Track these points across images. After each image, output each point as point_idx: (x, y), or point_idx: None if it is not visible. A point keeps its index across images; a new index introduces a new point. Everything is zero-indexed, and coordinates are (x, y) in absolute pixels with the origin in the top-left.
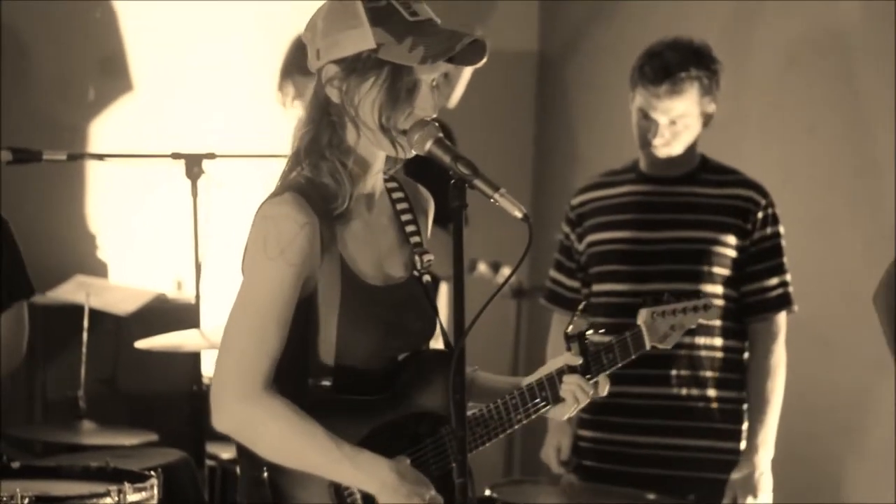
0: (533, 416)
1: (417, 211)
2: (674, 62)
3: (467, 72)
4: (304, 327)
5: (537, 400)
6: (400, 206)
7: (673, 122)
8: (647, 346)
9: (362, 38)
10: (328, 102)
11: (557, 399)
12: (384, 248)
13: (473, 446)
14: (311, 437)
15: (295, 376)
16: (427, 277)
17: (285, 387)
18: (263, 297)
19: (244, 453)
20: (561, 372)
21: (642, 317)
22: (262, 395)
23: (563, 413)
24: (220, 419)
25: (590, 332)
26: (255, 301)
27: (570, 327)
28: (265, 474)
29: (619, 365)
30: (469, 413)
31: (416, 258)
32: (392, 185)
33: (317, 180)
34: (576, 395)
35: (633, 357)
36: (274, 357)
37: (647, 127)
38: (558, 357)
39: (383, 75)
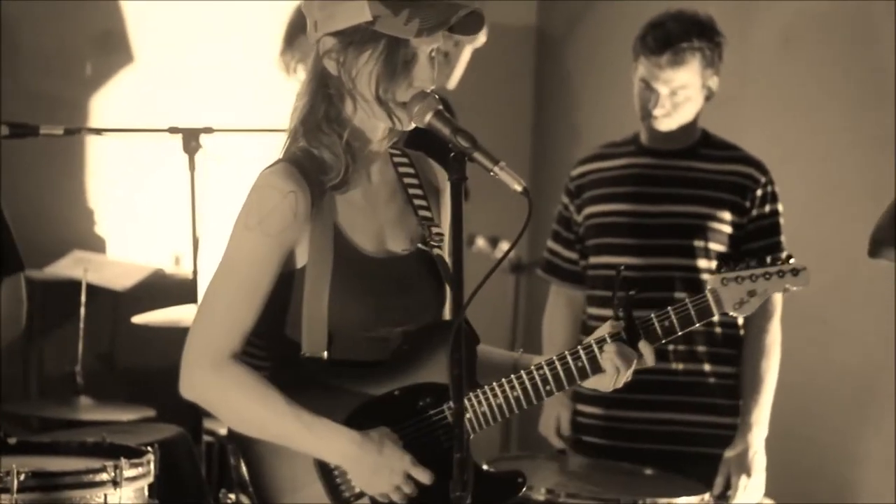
0: (567, 388)
1: (427, 185)
2: (676, 33)
3: (466, 52)
4: (296, 298)
5: (572, 370)
6: (407, 181)
7: (674, 93)
8: (716, 313)
9: (359, 11)
10: (326, 74)
11: (597, 369)
12: (386, 219)
13: (492, 420)
14: (270, 405)
15: (288, 348)
16: (437, 251)
17: (278, 359)
18: (238, 267)
19: (230, 438)
20: (601, 340)
21: (711, 282)
22: (228, 363)
23: (607, 384)
24: (185, 385)
25: (632, 292)
26: (231, 271)
27: (620, 293)
28: (239, 461)
29: (679, 333)
30: (488, 387)
31: (425, 231)
32: (400, 158)
33: (314, 152)
34: (616, 364)
35: (697, 325)
36: (245, 327)
37: (649, 97)
38: (603, 325)
39: (380, 48)
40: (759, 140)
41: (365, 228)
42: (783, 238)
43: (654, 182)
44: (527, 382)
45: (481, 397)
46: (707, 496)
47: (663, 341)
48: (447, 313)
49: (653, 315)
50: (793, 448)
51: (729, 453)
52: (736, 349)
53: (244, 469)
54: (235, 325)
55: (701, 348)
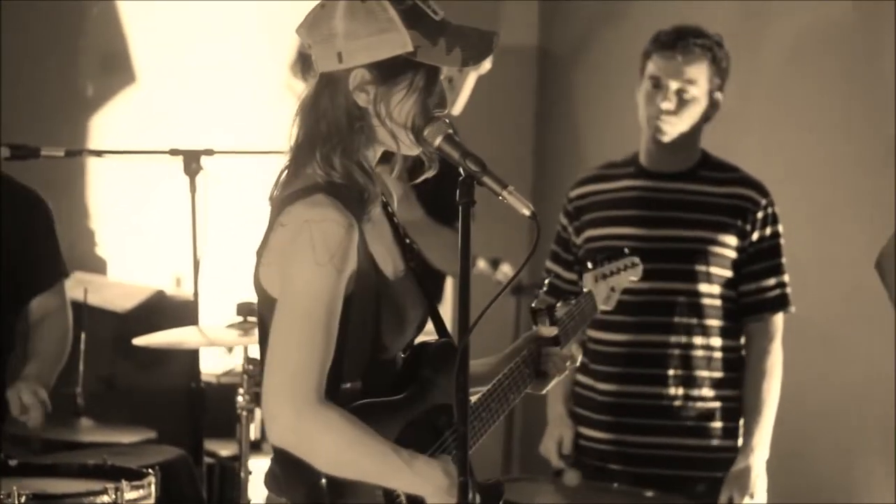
0: (521, 395)
1: (390, 201)
2: (689, 31)
3: (471, 79)
4: (343, 332)
5: (525, 378)
6: (383, 199)
7: (682, 90)
8: (598, 309)
9: (400, 42)
10: (355, 107)
11: (539, 374)
12: (389, 241)
13: (481, 433)
14: (370, 446)
15: (328, 381)
16: (415, 265)
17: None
18: (314, 305)
19: (294, 465)
20: (539, 346)
21: (589, 281)
22: (317, 406)
23: (542, 387)
24: (277, 434)
25: (559, 304)
26: (305, 310)
27: (536, 302)
28: (323, 480)
29: (581, 331)
30: (472, 400)
31: (406, 248)
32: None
33: (335, 181)
34: (557, 366)
35: (587, 323)
36: (325, 366)
37: (656, 95)
38: (527, 333)
39: (418, 78)
40: (761, 156)
41: (381, 252)
42: (784, 260)
43: (655, 206)
44: (500, 390)
45: (475, 409)
46: None
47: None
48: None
49: (564, 318)
50: (794, 470)
51: (730, 476)
52: (736, 372)
53: (326, 486)
54: (317, 364)
55: (702, 373)
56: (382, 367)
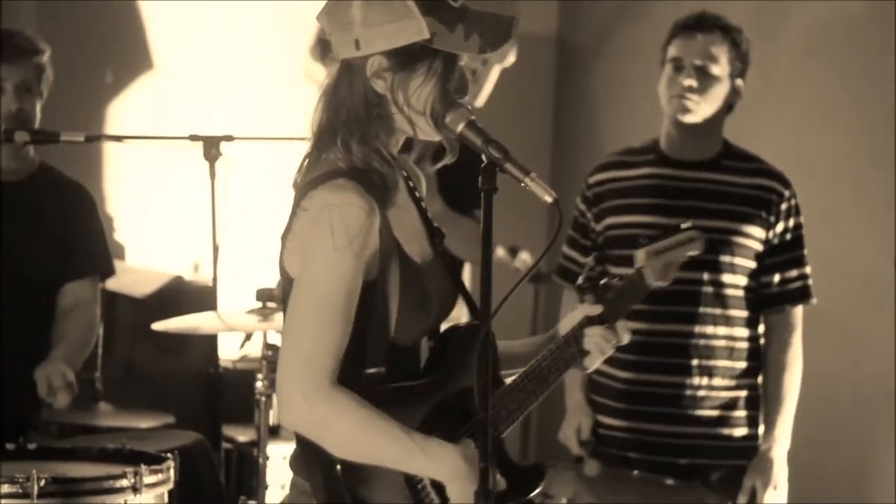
0: (564, 374)
1: (419, 187)
2: (708, 15)
3: (495, 71)
4: (365, 317)
5: (567, 357)
6: (410, 184)
7: (705, 67)
8: (649, 286)
9: (416, 29)
10: (373, 94)
11: (583, 353)
12: (415, 227)
13: (517, 414)
14: (382, 430)
15: (351, 367)
16: (443, 250)
17: (342, 379)
18: (331, 289)
19: (312, 450)
20: (581, 325)
21: (640, 258)
22: (330, 390)
23: (589, 365)
24: (290, 417)
25: (603, 281)
26: (322, 294)
27: (582, 279)
28: (338, 466)
29: (629, 309)
30: (509, 381)
31: (434, 231)
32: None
33: (357, 167)
34: (600, 346)
35: (639, 300)
36: (340, 351)
37: (678, 76)
38: (574, 311)
39: (436, 66)
40: (776, 149)
41: (411, 239)
42: (805, 252)
43: (677, 195)
44: (538, 372)
45: (508, 391)
46: None
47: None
48: (463, 315)
49: (612, 295)
50: (816, 459)
51: (752, 467)
52: (757, 362)
53: (342, 475)
54: (332, 349)
55: (724, 363)
56: (406, 352)
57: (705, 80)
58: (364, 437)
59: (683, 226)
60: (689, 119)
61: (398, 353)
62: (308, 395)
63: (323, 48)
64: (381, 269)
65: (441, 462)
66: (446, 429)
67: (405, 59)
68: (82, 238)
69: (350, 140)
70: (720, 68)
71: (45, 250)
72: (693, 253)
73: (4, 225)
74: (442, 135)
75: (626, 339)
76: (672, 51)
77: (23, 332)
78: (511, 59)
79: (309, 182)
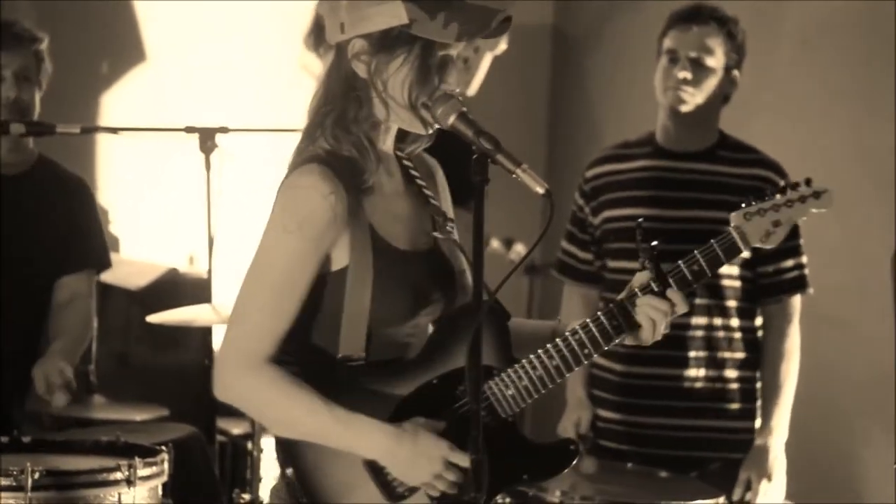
0: (606, 348)
1: (427, 176)
2: (703, 6)
3: (486, 59)
4: (333, 301)
5: (607, 329)
6: (413, 173)
7: (700, 59)
8: (743, 248)
9: (394, 14)
10: (353, 77)
11: (633, 325)
12: (406, 215)
13: (536, 392)
14: (305, 403)
15: (322, 352)
16: (454, 237)
17: (312, 363)
18: (277, 270)
19: (278, 448)
20: (632, 295)
21: (734, 219)
22: (260, 366)
23: (646, 338)
24: (220, 389)
25: (654, 243)
26: (268, 274)
27: (643, 244)
28: (289, 471)
29: (709, 276)
30: (525, 360)
31: (438, 219)
32: (399, 153)
33: (344, 154)
34: (651, 316)
35: (725, 263)
36: (281, 332)
37: (673, 68)
38: (632, 280)
39: (414, 51)
40: (776, 140)
41: (394, 225)
42: (802, 241)
43: (673, 186)
44: (564, 349)
45: (520, 372)
46: (722, 500)
47: (694, 286)
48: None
49: (680, 262)
50: (813, 451)
51: (749, 458)
52: (755, 353)
53: (295, 478)
54: (271, 328)
55: (721, 354)
56: (387, 338)
57: (700, 71)
58: (288, 410)
59: (808, 180)
60: (685, 109)
61: (379, 339)
62: (239, 369)
63: (317, 38)
64: (353, 255)
65: (363, 437)
66: (430, 408)
67: (384, 42)
68: (80, 231)
69: (325, 120)
70: (715, 60)
71: (43, 243)
72: (819, 210)
73: (4, 218)
74: (418, 122)
75: (682, 308)
76: (667, 42)
77: (20, 325)
78: (502, 46)
79: (288, 168)
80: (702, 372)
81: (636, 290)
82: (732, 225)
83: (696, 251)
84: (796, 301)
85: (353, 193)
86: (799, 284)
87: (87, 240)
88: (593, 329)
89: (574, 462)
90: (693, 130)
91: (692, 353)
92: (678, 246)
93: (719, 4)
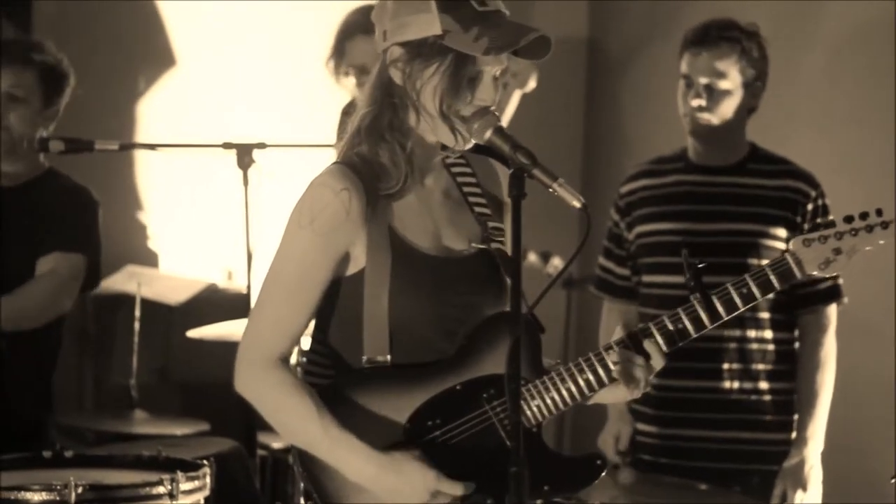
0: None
1: (487, 184)
2: (714, 26)
3: (515, 97)
4: (356, 303)
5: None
6: (462, 179)
7: (712, 85)
8: (798, 275)
9: (429, 24)
10: (391, 83)
11: (610, 379)
12: (441, 219)
13: (564, 404)
14: (301, 413)
15: (351, 354)
16: (497, 246)
17: (341, 365)
18: (289, 266)
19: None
20: (608, 348)
21: (792, 244)
22: (274, 365)
23: (619, 396)
24: (237, 382)
25: (701, 265)
26: (282, 271)
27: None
28: (299, 469)
29: (758, 300)
30: (555, 372)
31: (482, 227)
32: (457, 160)
33: (372, 158)
34: (633, 374)
35: (778, 290)
36: (295, 329)
37: (688, 93)
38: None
39: (447, 62)
40: (811, 149)
41: (420, 228)
42: None
43: (705, 200)
44: (597, 364)
45: (548, 383)
46: None
47: (742, 309)
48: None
49: (729, 284)
50: (849, 461)
51: (785, 468)
52: (791, 365)
53: (305, 478)
54: (285, 326)
55: (756, 366)
56: (411, 341)
57: (714, 96)
58: (286, 416)
59: (876, 210)
60: (703, 132)
61: (402, 341)
62: (252, 366)
63: (336, 62)
64: (370, 257)
65: (349, 460)
66: (452, 413)
67: (420, 51)
68: (76, 226)
69: (362, 123)
70: (729, 82)
71: (46, 247)
72: (880, 241)
73: (8, 227)
74: (447, 132)
75: (657, 363)
76: (683, 66)
77: (30, 336)
78: (532, 84)
79: None
80: (736, 384)
81: (612, 342)
82: (789, 250)
83: (746, 275)
84: (831, 311)
85: (373, 194)
86: (833, 294)
87: (81, 234)
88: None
89: (599, 477)
90: (719, 147)
91: (727, 366)
92: (712, 259)
93: (737, 14)
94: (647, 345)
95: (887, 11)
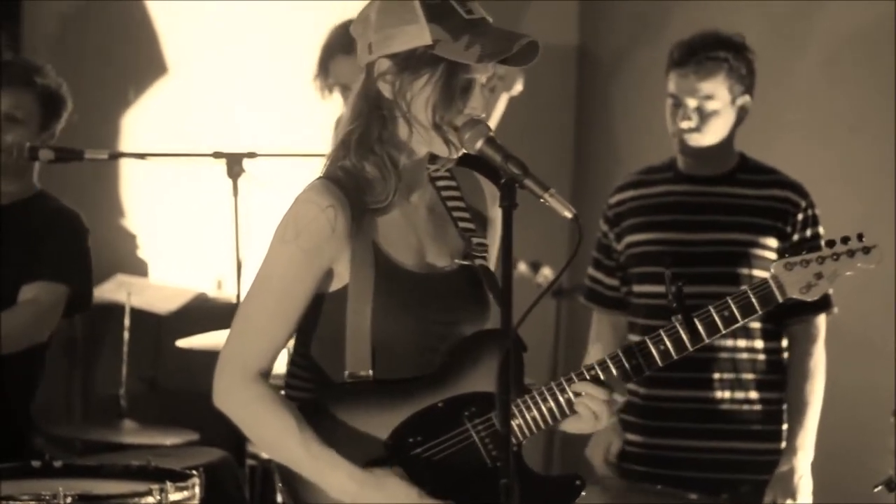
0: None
1: (472, 199)
2: (701, 44)
3: (503, 100)
4: (338, 318)
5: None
6: (447, 193)
7: (701, 106)
8: (780, 298)
9: (418, 34)
10: (379, 97)
11: (570, 411)
12: (425, 235)
13: (544, 424)
14: (281, 428)
15: (332, 369)
16: (481, 262)
17: (322, 380)
18: (273, 281)
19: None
20: (569, 379)
21: (774, 268)
22: (253, 379)
23: (582, 428)
24: (215, 396)
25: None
26: (265, 285)
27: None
28: (280, 486)
29: (740, 323)
30: (536, 391)
31: (466, 243)
32: (441, 175)
33: (358, 172)
34: (592, 409)
35: (760, 313)
36: (277, 343)
37: (677, 113)
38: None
39: (438, 72)
40: (804, 158)
41: (404, 245)
42: None
43: (694, 210)
44: (559, 395)
45: (530, 402)
46: None
47: (724, 332)
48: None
49: (710, 307)
50: (839, 471)
51: (775, 478)
52: (781, 374)
53: (287, 491)
54: (267, 340)
55: (746, 375)
56: (393, 357)
57: (704, 117)
58: (266, 431)
59: (855, 237)
60: (693, 152)
61: (384, 357)
62: (232, 380)
63: (322, 81)
64: (353, 272)
65: (330, 476)
66: (433, 430)
67: (409, 63)
68: (61, 255)
69: (350, 138)
70: (718, 102)
71: (31, 274)
72: (866, 266)
73: None
74: (441, 143)
75: (622, 396)
76: (670, 86)
77: (13, 358)
78: (518, 87)
79: None
80: (727, 394)
81: (573, 375)
82: (771, 274)
83: (728, 297)
84: (821, 321)
85: (358, 210)
86: (823, 304)
87: (67, 262)
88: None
89: (578, 497)
90: (708, 159)
91: (717, 375)
92: (701, 269)
93: (729, 18)
94: (611, 379)
95: (887, 12)
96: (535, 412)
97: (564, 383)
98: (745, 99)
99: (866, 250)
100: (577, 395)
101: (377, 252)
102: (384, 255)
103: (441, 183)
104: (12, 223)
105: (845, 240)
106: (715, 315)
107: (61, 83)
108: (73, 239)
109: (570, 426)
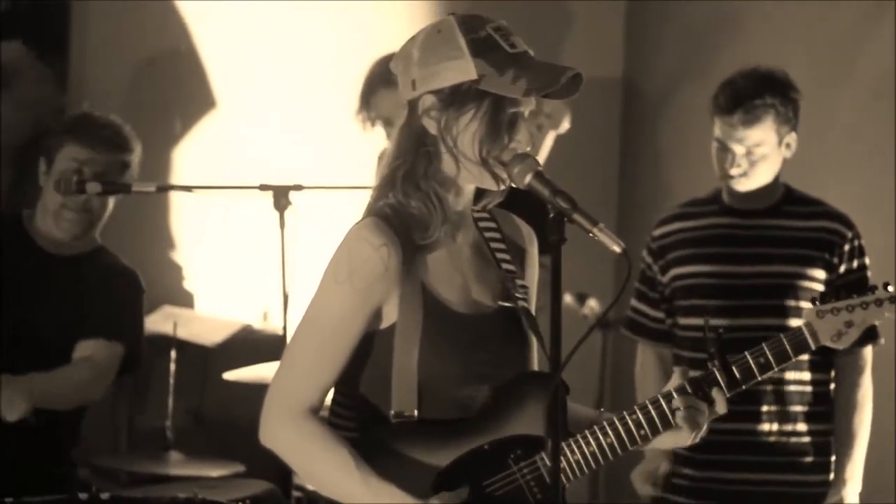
0: (661, 432)
1: (510, 242)
2: (747, 90)
3: (550, 138)
4: (385, 358)
5: (641, 432)
6: (489, 234)
7: (749, 152)
8: (812, 346)
9: (464, 69)
10: (423, 133)
11: (667, 425)
12: (470, 276)
13: (588, 467)
14: (339, 464)
15: (377, 409)
16: (523, 304)
17: (367, 420)
18: (325, 320)
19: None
20: (669, 394)
21: (806, 315)
22: (305, 418)
23: (683, 440)
24: (264, 435)
25: (720, 330)
26: (317, 324)
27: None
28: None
29: (774, 370)
30: (580, 435)
31: (510, 284)
32: (481, 215)
33: (404, 209)
34: (686, 418)
35: (793, 360)
36: (326, 382)
37: (725, 158)
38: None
39: (484, 107)
40: (843, 195)
41: (451, 285)
42: None
43: (740, 242)
44: (620, 428)
45: (573, 446)
46: None
47: (760, 378)
48: (534, 367)
49: (747, 353)
50: (888, 502)
51: None
52: (828, 406)
53: None
54: (317, 379)
55: (794, 408)
56: (439, 398)
57: (751, 161)
58: (322, 468)
59: (880, 285)
60: (743, 189)
61: (430, 398)
62: (282, 418)
63: (364, 115)
64: (402, 311)
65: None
66: (479, 473)
67: (454, 98)
68: (119, 314)
69: (395, 175)
70: (766, 147)
71: (87, 330)
72: (889, 315)
73: (49, 298)
74: (489, 178)
75: (721, 409)
76: (716, 130)
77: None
78: (566, 125)
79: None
80: (775, 426)
81: (672, 390)
82: (804, 322)
83: (763, 344)
84: (867, 352)
85: (409, 249)
86: (870, 335)
87: (123, 323)
88: (652, 412)
89: None
90: (757, 192)
91: (764, 408)
92: (748, 301)
93: (773, 54)
94: (715, 392)
95: None
96: (611, 440)
97: (661, 400)
98: (791, 137)
99: (893, 300)
100: (677, 409)
101: (425, 292)
102: (432, 296)
103: (483, 224)
104: (71, 276)
105: (873, 289)
106: (751, 361)
107: (131, 135)
108: (130, 298)
109: (665, 441)
